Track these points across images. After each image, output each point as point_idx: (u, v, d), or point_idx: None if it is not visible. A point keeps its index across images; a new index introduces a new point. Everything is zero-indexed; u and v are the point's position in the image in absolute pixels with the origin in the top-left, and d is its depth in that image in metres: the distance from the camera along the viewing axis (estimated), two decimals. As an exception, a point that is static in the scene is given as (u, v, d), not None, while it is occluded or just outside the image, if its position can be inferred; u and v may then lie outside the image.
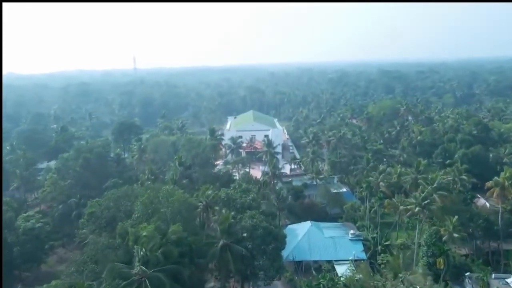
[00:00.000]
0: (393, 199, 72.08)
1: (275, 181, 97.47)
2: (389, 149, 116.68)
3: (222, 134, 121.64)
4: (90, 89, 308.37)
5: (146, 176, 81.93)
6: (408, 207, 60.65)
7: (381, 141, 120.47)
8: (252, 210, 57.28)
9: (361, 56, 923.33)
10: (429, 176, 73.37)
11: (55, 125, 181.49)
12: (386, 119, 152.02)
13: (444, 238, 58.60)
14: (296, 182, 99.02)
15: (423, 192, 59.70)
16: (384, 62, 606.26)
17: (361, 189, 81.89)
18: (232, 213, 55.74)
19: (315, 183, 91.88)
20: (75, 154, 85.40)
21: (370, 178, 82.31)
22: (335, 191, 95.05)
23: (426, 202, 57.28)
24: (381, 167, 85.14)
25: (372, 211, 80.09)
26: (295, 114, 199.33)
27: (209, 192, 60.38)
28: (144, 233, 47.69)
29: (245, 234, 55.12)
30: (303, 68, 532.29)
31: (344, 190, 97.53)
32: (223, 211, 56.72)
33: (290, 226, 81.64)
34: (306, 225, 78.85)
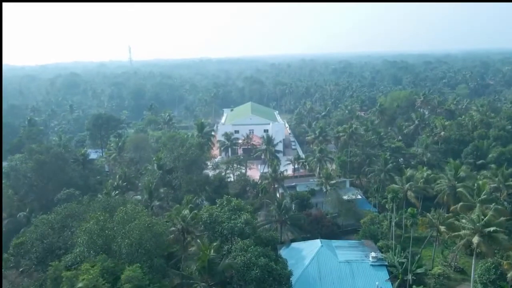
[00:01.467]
0: (428, 214, 55.93)
1: (276, 186, 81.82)
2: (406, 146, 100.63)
3: (213, 130, 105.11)
4: (79, 80, 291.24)
5: (115, 183, 65.81)
6: (461, 233, 44.32)
7: (399, 137, 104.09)
8: (245, 239, 41.14)
9: (359, 49, 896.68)
10: (475, 184, 57.07)
11: (36, 119, 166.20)
12: (400, 112, 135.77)
13: (509, 276, 42.47)
14: (301, 187, 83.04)
15: (484, 216, 42.70)
16: (385, 54, 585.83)
17: (385, 199, 65.70)
18: (215, 244, 39.66)
19: (324, 189, 75.60)
20: (27, 155, 69.10)
21: (394, 186, 66.18)
22: (347, 197, 79.07)
23: (491, 229, 40.68)
24: (409, 171, 68.75)
25: (393, 223, 64.16)
26: (297, 107, 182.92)
27: (186, 211, 44.18)
28: (81, 285, 31.75)
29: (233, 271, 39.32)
30: (305, 59, 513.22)
31: (359, 197, 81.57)
32: (202, 240, 40.56)
33: (294, 245, 65.56)
34: (314, 245, 62.70)
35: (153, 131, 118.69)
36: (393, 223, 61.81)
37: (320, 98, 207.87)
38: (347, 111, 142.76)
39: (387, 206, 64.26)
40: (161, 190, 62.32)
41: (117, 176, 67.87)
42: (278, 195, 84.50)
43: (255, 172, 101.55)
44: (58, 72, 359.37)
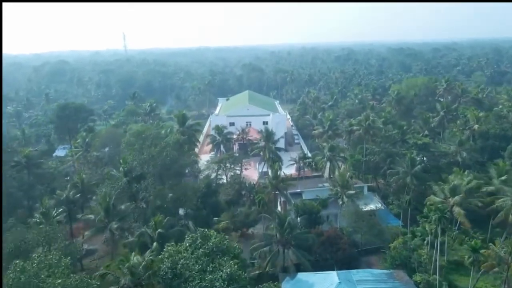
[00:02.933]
0: (494, 246, 39.56)
1: (276, 192, 65.50)
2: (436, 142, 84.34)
3: (198, 123, 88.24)
4: (67, 68, 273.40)
5: (64, 195, 49.29)
6: None
7: (426, 132, 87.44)
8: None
9: (360, 38, 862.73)
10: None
11: (9, 109, 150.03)
12: (417, 101, 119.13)
13: None
14: (308, 195, 66.64)
15: None
16: (387, 43, 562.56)
17: (423, 218, 49.31)
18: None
19: (340, 202, 59.11)
20: None
21: (435, 198, 49.77)
22: (367, 208, 62.77)
23: None
24: (454, 178, 52.16)
25: (438, 251, 48.00)
26: (300, 96, 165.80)
27: (136, 258, 27.78)
28: None
29: None
30: (306, 47, 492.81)
31: (382, 207, 65.29)
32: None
33: (302, 277, 49.34)
34: (329, 280, 46.58)
35: (134, 123, 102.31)
36: (437, 252, 45.46)
37: (325, 87, 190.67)
38: (357, 101, 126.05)
39: (427, 228, 47.76)
40: (122, 207, 45.90)
41: (69, 186, 51.32)
42: (279, 205, 68.39)
43: (252, 172, 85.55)
44: (50, 61, 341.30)
